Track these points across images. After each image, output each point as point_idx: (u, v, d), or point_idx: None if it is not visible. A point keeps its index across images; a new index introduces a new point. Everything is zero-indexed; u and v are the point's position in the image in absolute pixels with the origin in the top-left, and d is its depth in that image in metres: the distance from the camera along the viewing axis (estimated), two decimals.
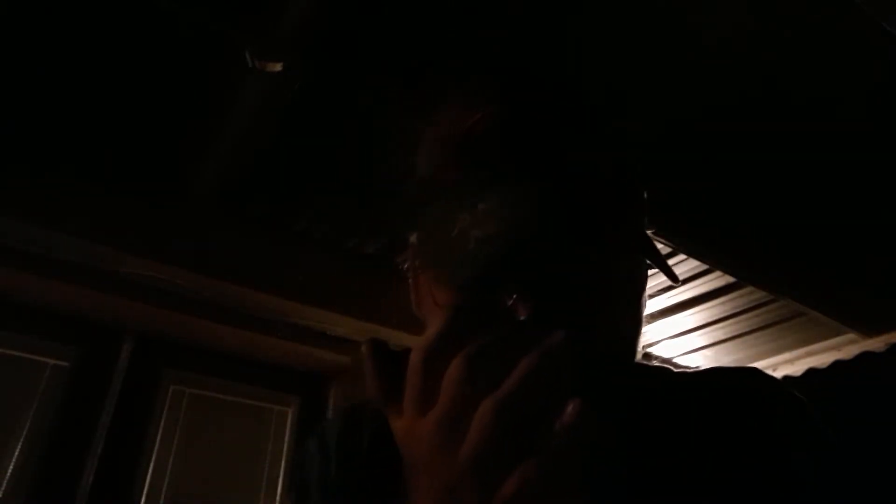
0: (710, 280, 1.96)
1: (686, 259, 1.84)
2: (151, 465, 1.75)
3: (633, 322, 0.50)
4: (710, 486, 0.43)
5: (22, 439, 1.59)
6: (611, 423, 0.40)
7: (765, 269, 1.83)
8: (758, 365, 2.42)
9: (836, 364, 2.22)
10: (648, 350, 2.44)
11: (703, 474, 0.43)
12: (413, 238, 0.51)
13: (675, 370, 0.57)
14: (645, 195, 0.56)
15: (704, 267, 1.87)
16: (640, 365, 0.56)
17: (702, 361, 2.47)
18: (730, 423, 0.47)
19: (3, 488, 1.53)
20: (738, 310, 2.11)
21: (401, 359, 0.35)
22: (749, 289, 1.95)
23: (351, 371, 1.99)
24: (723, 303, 2.07)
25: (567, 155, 0.47)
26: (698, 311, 2.14)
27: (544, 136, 0.48)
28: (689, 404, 0.49)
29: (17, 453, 1.57)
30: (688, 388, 0.52)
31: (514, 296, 0.39)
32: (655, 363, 2.40)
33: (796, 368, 2.34)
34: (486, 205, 0.43)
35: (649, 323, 2.24)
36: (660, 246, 1.76)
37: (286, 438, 1.99)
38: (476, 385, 0.31)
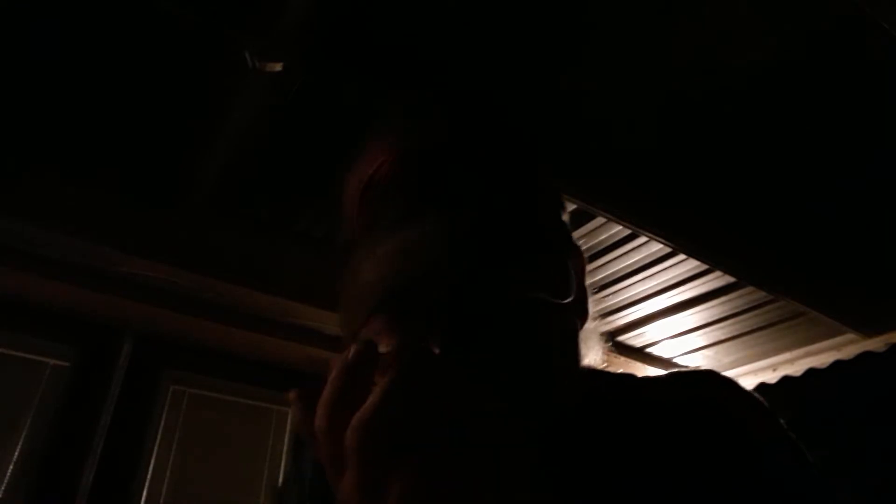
0: (710, 280, 1.96)
1: (686, 259, 1.84)
2: (151, 465, 1.75)
3: (560, 340, 0.48)
4: (668, 494, 0.42)
5: (22, 439, 1.59)
6: (530, 435, 0.38)
7: (765, 269, 1.83)
8: (758, 365, 2.42)
9: (836, 364, 2.22)
10: (648, 350, 2.45)
11: (660, 481, 0.43)
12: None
13: (638, 378, 0.57)
14: (562, 214, 0.57)
15: (704, 267, 1.87)
16: (598, 373, 0.56)
17: (702, 361, 2.47)
18: (687, 429, 0.47)
19: (3, 488, 1.53)
20: (738, 310, 2.11)
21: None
22: (749, 289, 1.95)
23: None
24: (723, 303, 2.07)
25: (472, 187, 0.48)
26: (698, 311, 2.14)
27: (445, 175, 0.49)
28: (644, 411, 0.49)
29: (17, 453, 1.57)
30: (645, 395, 0.52)
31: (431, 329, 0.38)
32: (645, 364, 2.39)
33: (796, 368, 2.34)
34: (389, 244, 0.43)
35: (649, 323, 2.24)
36: (659, 246, 1.76)
37: (286, 438, 1.99)
38: (371, 457, 0.29)
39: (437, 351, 0.34)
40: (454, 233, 0.43)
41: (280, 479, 1.92)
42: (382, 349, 0.34)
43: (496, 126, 0.57)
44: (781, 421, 0.50)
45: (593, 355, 0.56)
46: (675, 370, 0.56)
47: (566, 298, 0.47)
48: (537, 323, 0.44)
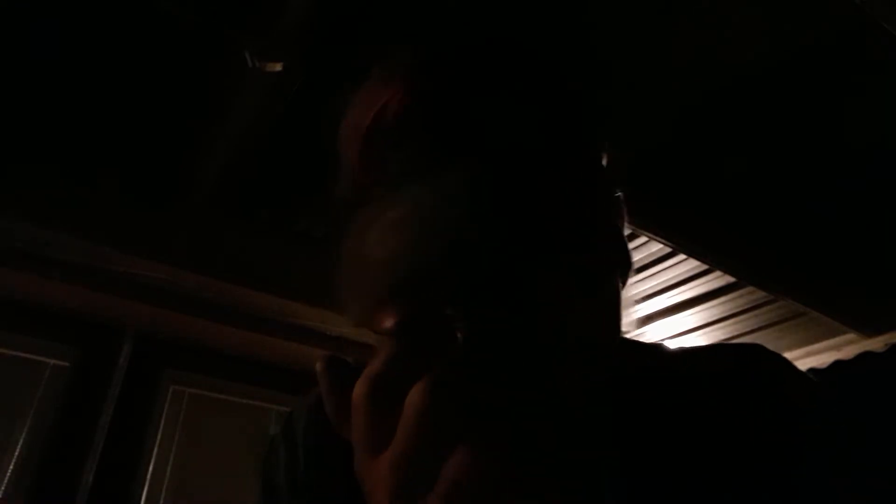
0: (710, 280, 1.95)
1: (686, 259, 1.84)
2: (151, 464, 1.75)
3: (607, 309, 0.42)
4: (714, 469, 0.40)
5: (22, 439, 1.59)
6: (594, 415, 0.37)
7: (765, 269, 1.83)
8: None
9: (836, 364, 2.22)
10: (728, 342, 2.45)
11: (707, 457, 0.40)
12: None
13: (678, 349, 0.52)
14: (616, 173, 0.48)
15: (704, 267, 1.87)
16: (633, 342, 0.52)
17: None
18: (735, 402, 0.43)
19: (3, 488, 1.53)
20: (738, 310, 2.11)
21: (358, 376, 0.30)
22: (749, 289, 1.95)
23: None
24: (723, 303, 2.07)
25: (502, 132, 0.38)
26: (698, 311, 2.14)
27: (468, 115, 0.39)
28: (690, 383, 0.45)
29: (17, 453, 1.57)
30: (689, 366, 0.48)
31: (460, 311, 0.32)
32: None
33: None
34: (401, 209, 0.34)
35: (649, 323, 2.24)
36: (659, 246, 1.76)
37: None
38: (442, 420, 0.26)
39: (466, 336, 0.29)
40: (481, 190, 0.34)
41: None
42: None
43: (530, 59, 0.46)
44: (831, 398, 0.46)
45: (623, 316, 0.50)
46: (720, 343, 0.52)
47: (607, 267, 0.41)
48: (578, 295, 0.38)
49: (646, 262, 1.91)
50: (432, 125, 0.39)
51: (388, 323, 0.33)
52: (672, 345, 2.42)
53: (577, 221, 0.40)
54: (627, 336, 0.50)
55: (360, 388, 0.29)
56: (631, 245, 1.82)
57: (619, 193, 0.48)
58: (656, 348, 0.52)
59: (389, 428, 0.27)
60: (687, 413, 0.42)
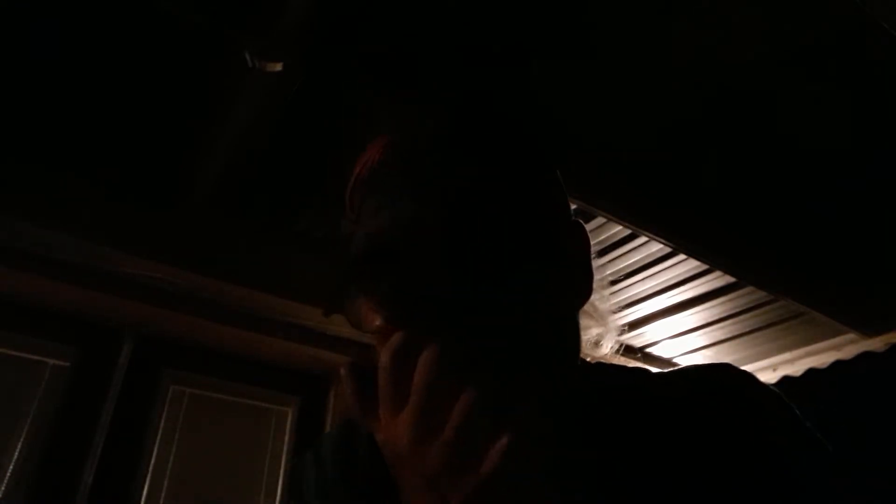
0: (710, 280, 1.95)
1: (686, 259, 1.84)
2: (151, 464, 1.75)
3: (540, 324, 0.49)
4: (691, 480, 0.44)
5: (22, 439, 1.59)
6: (572, 420, 0.44)
7: (765, 269, 1.83)
8: (758, 365, 2.42)
9: (836, 364, 2.22)
10: (649, 350, 2.44)
11: (684, 468, 0.45)
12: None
13: (652, 371, 0.58)
14: (560, 197, 0.57)
15: (704, 267, 1.87)
16: (611, 366, 0.58)
17: (702, 361, 2.47)
18: (709, 416, 0.48)
19: (3, 488, 1.53)
20: (738, 310, 2.11)
21: (375, 376, 0.39)
22: (749, 289, 1.95)
23: None
24: (723, 303, 2.07)
25: (452, 175, 0.49)
26: (698, 311, 2.14)
27: (425, 164, 0.50)
28: (666, 401, 0.50)
29: (17, 453, 1.57)
30: (664, 386, 0.54)
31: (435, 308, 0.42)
32: (644, 364, 2.41)
33: (796, 368, 2.34)
34: (362, 232, 0.47)
35: (649, 323, 2.24)
36: (659, 246, 1.76)
37: (286, 438, 1.99)
38: (445, 379, 0.35)
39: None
40: (427, 218, 0.45)
41: (280, 480, 1.92)
42: (375, 328, 0.42)
43: (485, 116, 0.58)
44: (798, 412, 0.51)
45: (606, 339, 0.57)
46: (691, 364, 0.57)
47: (545, 284, 0.48)
48: (508, 309, 0.45)
49: (646, 262, 1.91)
50: (395, 173, 0.51)
51: (377, 323, 0.43)
52: (671, 345, 2.42)
53: (527, 248, 0.48)
54: (604, 360, 0.58)
55: (384, 356, 0.38)
56: (631, 245, 1.82)
57: (579, 222, 0.56)
58: (632, 371, 0.59)
59: (407, 388, 0.37)
60: (662, 431, 0.48)
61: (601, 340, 0.57)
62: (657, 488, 0.43)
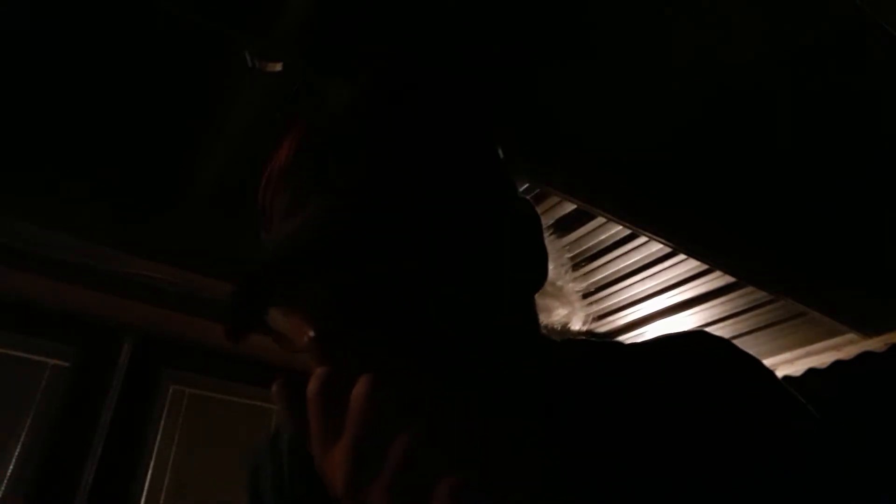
0: (710, 280, 1.95)
1: (686, 259, 1.84)
2: (151, 465, 1.75)
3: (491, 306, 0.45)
4: (668, 458, 0.41)
5: (22, 439, 1.59)
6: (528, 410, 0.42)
7: (765, 269, 1.83)
8: None
9: (836, 364, 2.22)
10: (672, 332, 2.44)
11: (661, 447, 0.42)
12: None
13: (626, 343, 0.55)
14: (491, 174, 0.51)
15: (704, 267, 1.87)
16: (585, 342, 0.56)
17: None
18: (684, 386, 0.46)
19: (3, 488, 1.53)
20: (738, 310, 2.11)
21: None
22: (749, 289, 1.95)
23: None
24: (723, 303, 2.07)
25: (358, 170, 0.45)
26: (698, 311, 2.14)
27: (329, 163, 0.46)
28: (639, 372, 0.48)
29: (17, 453, 1.57)
30: (638, 360, 0.51)
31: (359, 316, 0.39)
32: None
33: (796, 368, 2.34)
34: (271, 239, 0.44)
35: (649, 323, 2.24)
36: (659, 246, 1.76)
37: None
38: (385, 410, 0.31)
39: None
40: (333, 220, 0.42)
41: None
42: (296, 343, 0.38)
43: (406, 81, 0.53)
44: (777, 375, 0.48)
45: (575, 317, 0.55)
46: (664, 334, 0.54)
47: (487, 273, 0.45)
48: (446, 297, 0.42)
49: (646, 262, 1.91)
50: (301, 173, 0.47)
51: (308, 337, 0.39)
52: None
53: (462, 235, 0.44)
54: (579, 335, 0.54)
55: (311, 386, 0.34)
56: (631, 245, 1.83)
57: (525, 199, 0.52)
58: (606, 344, 0.56)
59: (340, 421, 0.32)
60: (637, 399, 0.45)
61: (568, 322, 0.55)
62: (636, 472, 0.41)
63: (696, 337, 0.52)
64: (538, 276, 0.48)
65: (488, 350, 0.43)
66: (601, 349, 0.54)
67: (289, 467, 0.54)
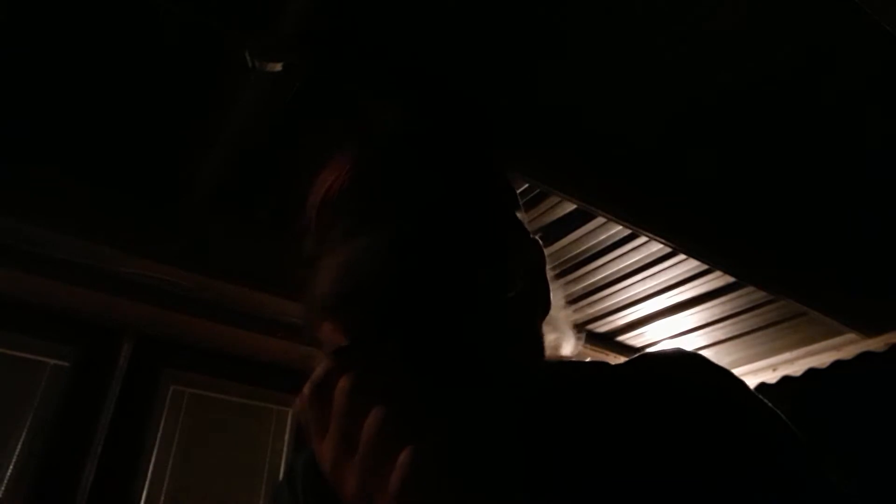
0: (710, 280, 1.95)
1: (686, 259, 1.83)
2: (151, 465, 1.75)
3: (504, 333, 0.50)
4: (640, 468, 0.44)
5: (22, 439, 1.59)
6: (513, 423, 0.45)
7: (765, 269, 1.83)
8: (758, 365, 2.42)
9: (836, 364, 2.22)
10: (649, 350, 2.44)
11: (631, 458, 0.45)
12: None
13: (608, 364, 0.59)
14: (515, 212, 0.58)
15: (704, 267, 1.87)
16: (571, 362, 0.59)
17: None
18: (658, 404, 0.48)
19: (3, 488, 1.53)
20: (738, 310, 2.11)
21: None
22: (749, 289, 1.95)
23: None
24: (723, 303, 2.07)
25: (413, 195, 0.51)
26: (698, 311, 2.14)
27: (387, 187, 0.52)
28: (622, 395, 0.51)
29: (17, 453, 1.57)
30: (617, 378, 0.54)
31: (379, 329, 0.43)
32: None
33: (796, 368, 2.34)
34: (333, 260, 0.48)
35: (649, 323, 2.24)
36: (659, 246, 1.76)
37: (286, 438, 1.99)
38: (358, 406, 0.36)
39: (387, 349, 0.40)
40: (393, 246, 0.47)
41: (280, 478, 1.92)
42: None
43: (447, 126, 0.60)
44: (753, 389, 0.50)
45: (568, 343, 0.58)
46: (645, 352, 0.58)
47: (505, 295, 0.50)
48: (477, 319, 0.47)
49: (646, 262, 1.91)
50: (361, 199, 0.52)
51: (328, 340, 0.45)
52: (671, 345, 2.43)
53: (491, 267, 0.50)
54: (566, 356, 0.60)
55: (306, 388, 0.39)
56: (631, 245, 1.82)
57: (537, 238, 0.58)
58: (588, 365, 0.60)
59: (328, 420, 0.37)
60: (615, 418, 0.48)
61: (559, 345, 0.58)
62: (611, 485, 0.43)
63: (674, 357, 0.55)
64: (545, 308, 0.55)
65: (495, 368, 0.47)
66: (585, 369, 0.58)
67: (304, 497, 0.57)
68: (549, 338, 0.57)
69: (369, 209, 0.51)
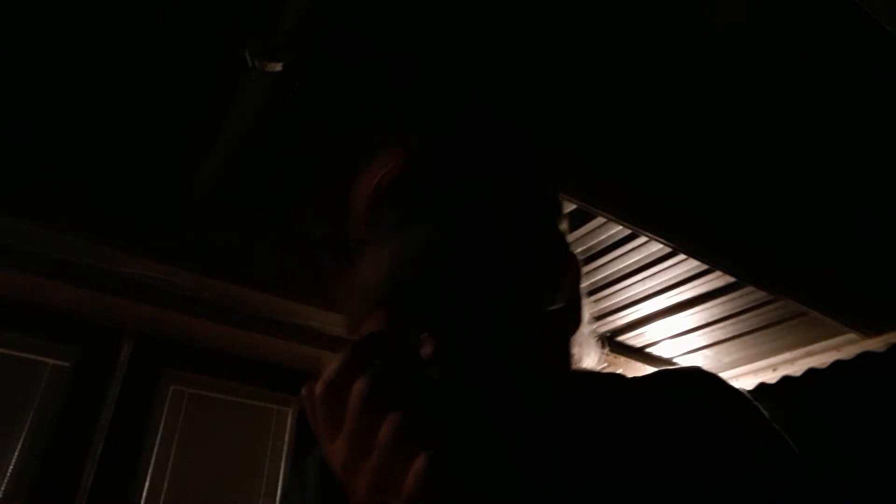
0: (710, 280, 1.95)
1: (686, 259, 1.84)
2: (151, 465, 1.75)
3: (542, 344, 0.52)
4: (651, 479, 0.45)
5: (22, 439, 1.59)
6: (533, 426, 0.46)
7: (765, 269, 1.83)
8: (758, 365, 2.42)
9: (836, 364, 2.22)
10: (648, 350, 2.45)
11: (642, 467, 0.46)
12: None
13: (626, 376, 0.60)
14: (559, 223, 0.59)
15: (704, 267, 1.87)
16: (588, 372, 0.60)
17: (702, 361, 2.47)
18: (671, 417, 0.49)
19: (3, 488, 1.53)
20: (738, 310, 2.11)
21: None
22: (749, 289, 1.95)
23: None
24: (723, 303, 2.07)
25: (466, 195, 0.52)
26: (698, 311, 2.14)
27: (440, 184, 0.52)
28: (635, 405, 0.52)
29: (17, 453, 1.57)
30: (634, 390, 0.55)
31: (413, 328, 0.42)
32: (644, 364, 2.40)
33: (796, 368, 2.34)
34: (383, 251, 0.48)
35: (649, 323, 2.24)
36: (659, 246, 1.76)
37: (286, 438, 1.99)
38: (374, 409, 0.36)
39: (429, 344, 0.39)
40: (443, 242, 0.47)
41: (280, 480, 1.92)
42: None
43: (498, 135, 0.60)
44: (764, 411, 0.52)
45: (590, 358, 0.58)
46: (663, 368, 0.58)
47: (551, 306, 0.51)
48: (520, 327, 0.48)
49: (646, 262, 1.91)
50: (413, 192, 0.52)
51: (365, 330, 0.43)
52: (671, 345, 2.42)
53: (543, 279, 0.51)
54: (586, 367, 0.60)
55: (319, 386, 0.38)
56: (631, 245, 1.82)
57: (575, 255, 0.59)
58: (607, 376, 0.61)
59: (342, 420, 0.37)
60: (628, 428, 0.50)
61: (582, 359, 0.59)
62: (625, 489, 0.44)
63: (688, 373, 0.56)
64: (577, 323, 0.56)
65: (522, 379, 0.47)
66: (601, 380, 0.59)
67: (315, 491, 0.57)
68: (574, 350, 0.58)
69: (426, 203, 0.51)
